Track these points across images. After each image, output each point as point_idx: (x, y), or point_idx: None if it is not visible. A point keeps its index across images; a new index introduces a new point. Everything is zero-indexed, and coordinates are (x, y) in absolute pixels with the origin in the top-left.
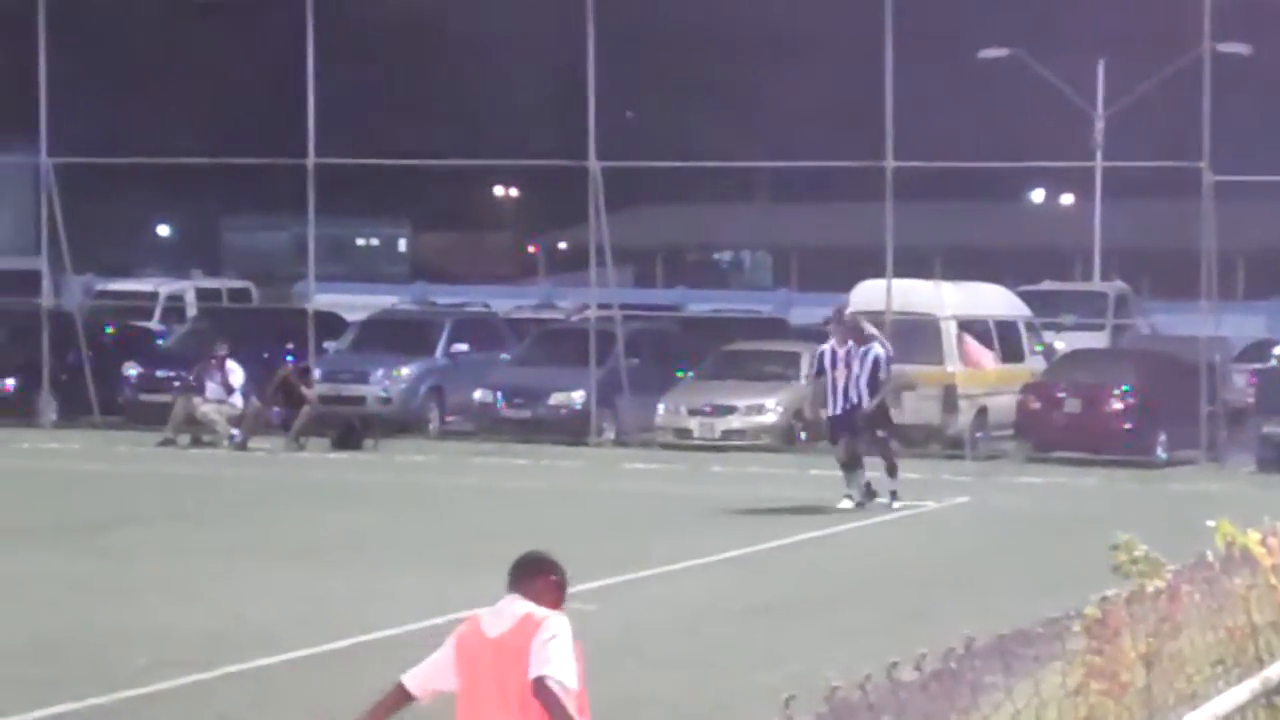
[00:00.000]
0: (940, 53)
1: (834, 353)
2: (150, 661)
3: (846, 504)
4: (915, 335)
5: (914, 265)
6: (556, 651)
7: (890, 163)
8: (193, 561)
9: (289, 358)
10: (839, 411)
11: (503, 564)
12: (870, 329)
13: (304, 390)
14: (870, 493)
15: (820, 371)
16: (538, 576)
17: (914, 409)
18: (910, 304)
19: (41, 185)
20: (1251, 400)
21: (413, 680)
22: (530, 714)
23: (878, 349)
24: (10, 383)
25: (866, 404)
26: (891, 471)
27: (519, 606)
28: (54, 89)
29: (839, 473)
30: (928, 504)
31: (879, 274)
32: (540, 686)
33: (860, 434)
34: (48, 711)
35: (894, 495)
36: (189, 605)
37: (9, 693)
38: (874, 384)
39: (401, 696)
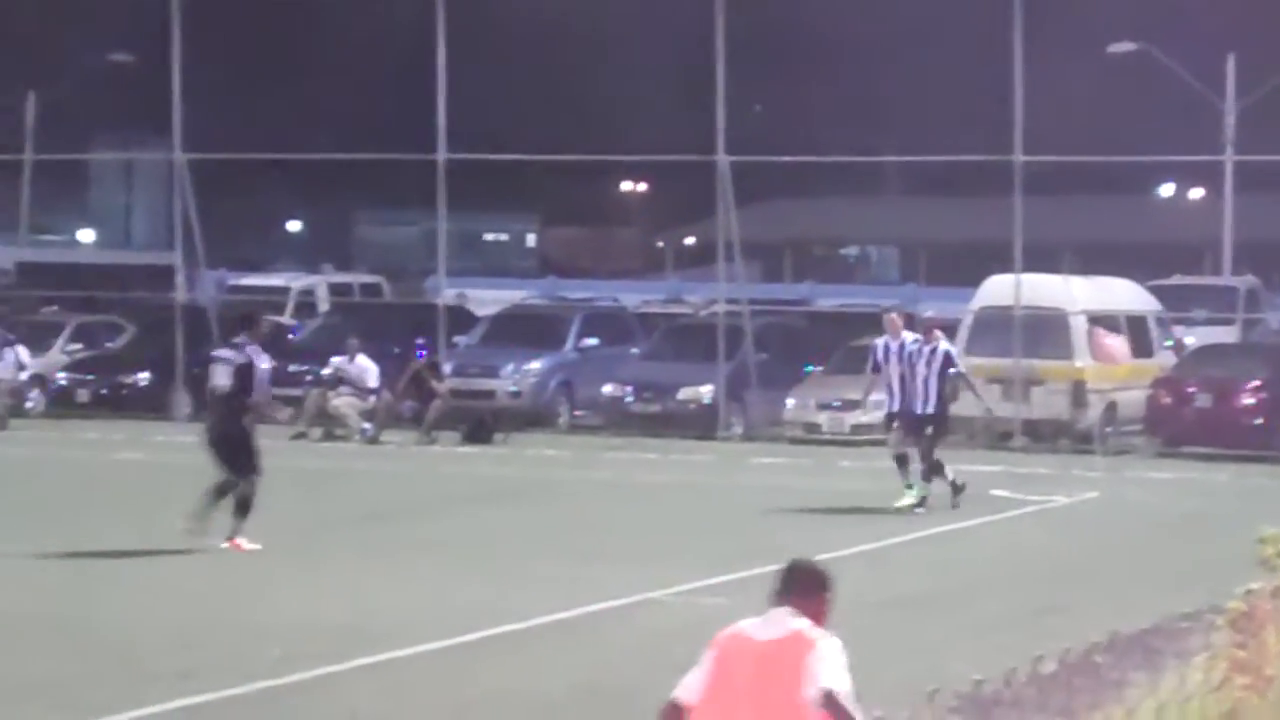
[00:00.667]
0: (1069, 47)
1: (887, 347)
2: (284, 654)
3: (909, 499)
4: (1044, 330)
5: (1043, 260)
6: (838, 670)
7: (1019, 157)
8: (326, 554)
9: (420, 352)
10: (897, 407)
11: (631, 558)
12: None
13: (434, 384)
14: (957, 487)
15: (876, 367)
16: (816, 594)
17: (1043, 404)
18: (1039, 299)
19: (175, 181)
20: None
21: (685, 693)
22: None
23: (944, 344)
24: (144, 377)
25: (934, 405)
26: (928, 474)
27: (793, 621)
28: (188, 86)
29: (959, 468)
30: (1057, 499)
31: (1008, 269)
32: (831, 699)
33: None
34: (185, 702)
35: (923, 501)
36: (322, 598)
37: (148, 684)
38: (942, 382)
39: (677, 709)
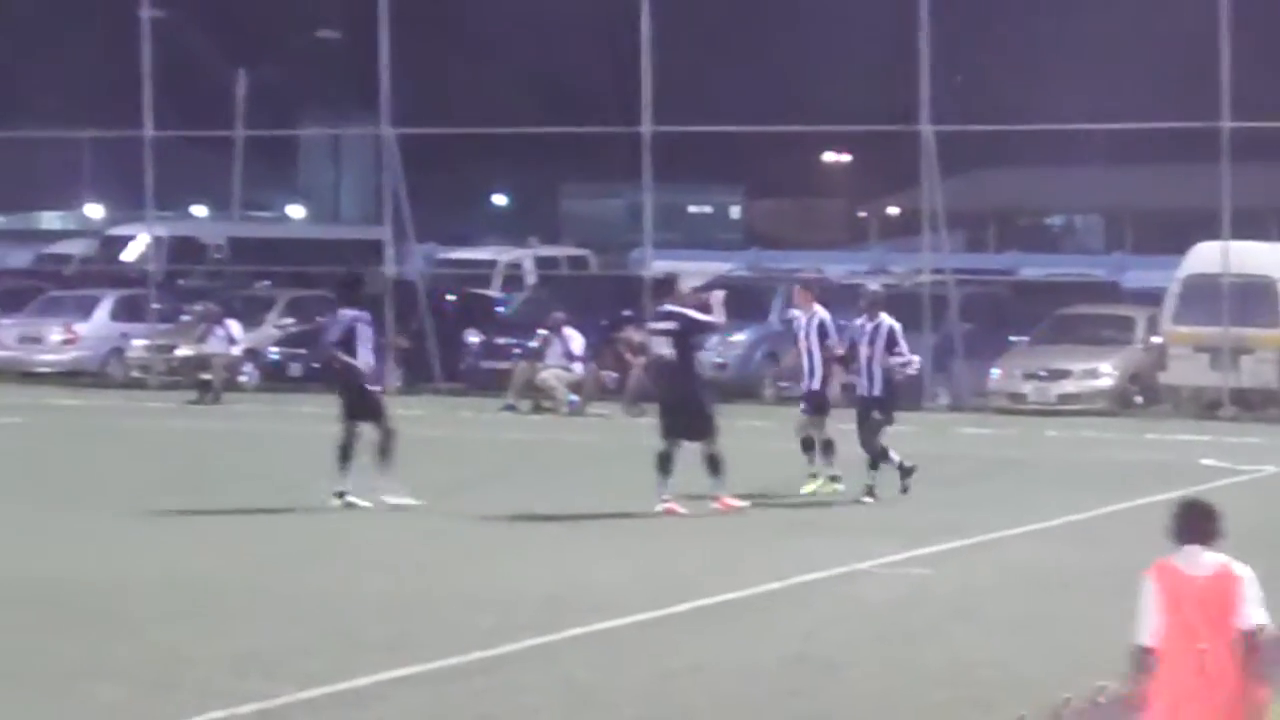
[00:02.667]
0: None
1: (861, 327)
2: (496, 624)
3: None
4: (1253, 298)
5: (1251, 227)
6: (1260, 604)
7: (1227, 123)
8: (534, 526)
9: (628, 323)
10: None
11: (837, 529)
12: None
13: (628, 355)
14: (905, 470)
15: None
16: (1213, 530)
17: (1252, 372)
18: (1247, 266)
19: (384, 156)
20: None
21: (1149, 637)
22: (1235, 652)
23: (887, 320)
24: None
25: (880, 387)
26: (874, 461)
27: (1209, 556)
28: (395, 61)
29: (1166, 437)
30: (1268, 468)
31: (1215, 236)
32: (1256, 635)
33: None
34: (397, 673)
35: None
36: (533, 569)
37: (361, 654)
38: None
39: (1150, 655)
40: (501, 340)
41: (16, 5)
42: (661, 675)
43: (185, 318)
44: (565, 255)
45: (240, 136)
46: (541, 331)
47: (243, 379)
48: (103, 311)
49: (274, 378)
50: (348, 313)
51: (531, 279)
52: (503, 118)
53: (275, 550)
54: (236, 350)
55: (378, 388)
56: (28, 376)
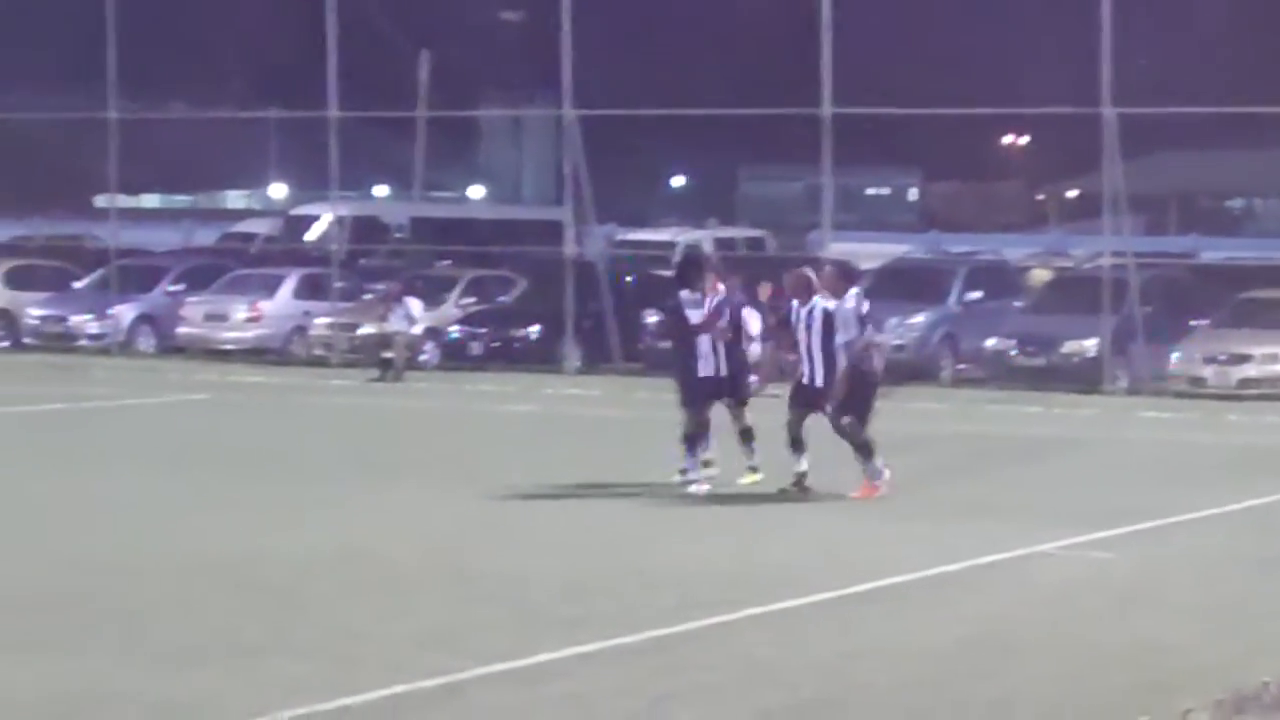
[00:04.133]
0: None
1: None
2: (677, 602)
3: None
4: None
5: None
6: None
7: None
8: (715, 505)
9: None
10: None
11: (1016, 511)
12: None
13: None
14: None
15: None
16: None
17: None
18: None
19: (565, 137)
20: None
21: None
22: None
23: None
24: (535, 330)
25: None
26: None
27: None
28: (577, 42)
29: None
30: None
31: None
32: None
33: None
34: (578, 650)
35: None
36: (712, 548)
37: (542, 631)
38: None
39: None
40: None
41: None
42: (840, 655)
43: (367, 296)
44: (743, 236)
45: (423, 117)
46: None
47: (423, 358)
48: (286, 290)
49: (454, 356)
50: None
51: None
52: (683, 99)
53: (455, 528)
54: (417, 329)
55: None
56: (213, 354)
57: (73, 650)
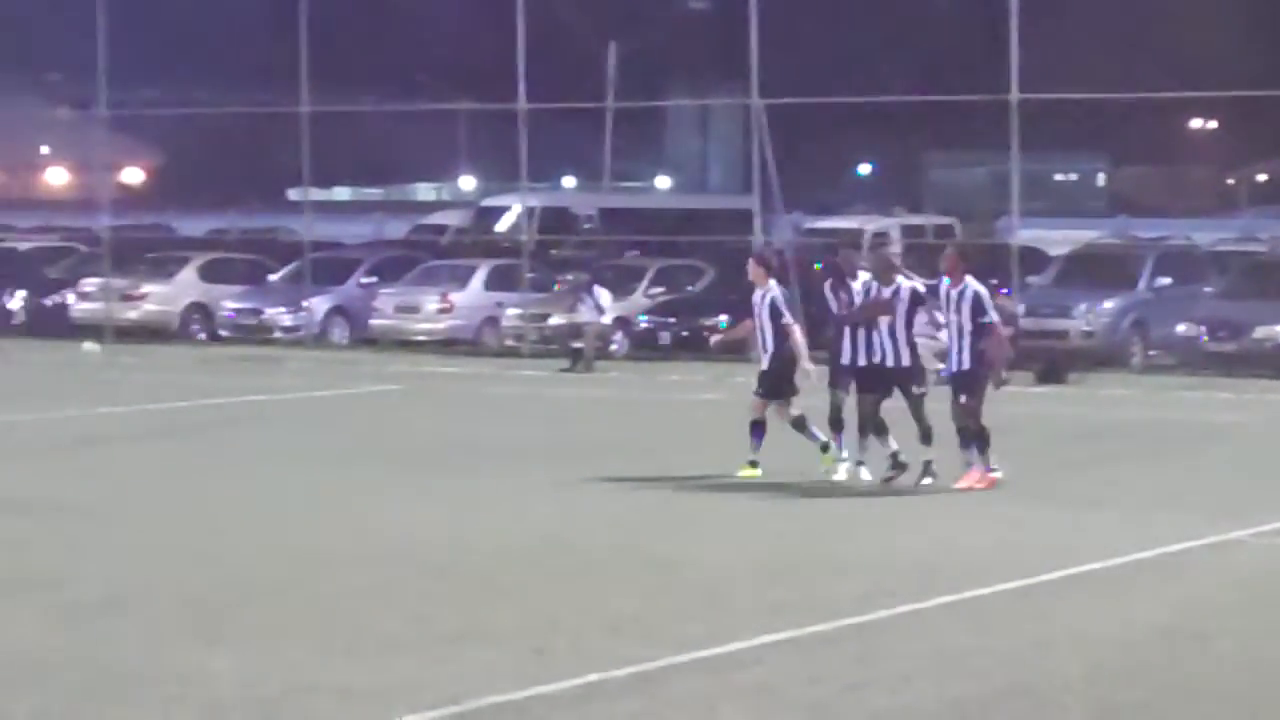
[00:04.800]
0: None
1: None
2: (867, 590)
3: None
4: None
5: None
6: None
7: None
8: (902, 492)
9: (1003, 291)
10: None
11: (1208, 498)
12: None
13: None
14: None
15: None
16: None
17: None
18: None
19: (753, 126)
20: None
21: None
22: None
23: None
24: (723, 319)
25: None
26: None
27: None
28: (764, 31)
29: None
30: None
31: None
32: None
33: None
34: (771, 638)
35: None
36: (903, 536)
37: (734, 619)
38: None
39: None
40: None
41: None
42: (1032, 643)
43: (557, 287)
44: (931, 224)
45: (611, 108)
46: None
47: (613, 347)
48: (477, 281)
49: (644, 346)
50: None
51: (897, 248)
52: (869, 86)
53: (647, 517)
54: (606, 319)
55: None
56: (405, 345)
57: (271, 640)
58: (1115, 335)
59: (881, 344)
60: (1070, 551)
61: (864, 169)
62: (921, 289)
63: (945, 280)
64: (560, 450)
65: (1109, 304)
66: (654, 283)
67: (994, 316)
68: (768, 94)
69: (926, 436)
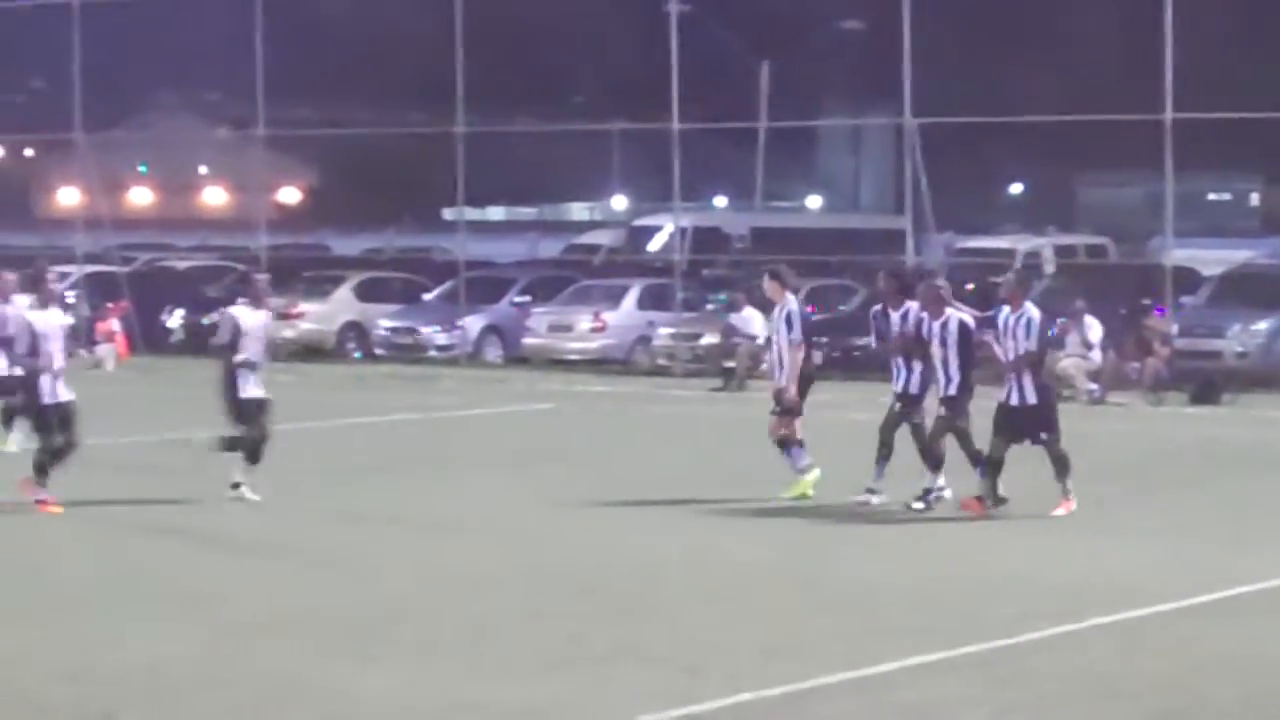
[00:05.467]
0: None
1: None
2: (1019, 612)
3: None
4: None
5: None
6: None
7: None
8: (1044, 515)
9: (1158, 310)
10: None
11: None
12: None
13: (1155, 344)
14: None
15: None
16: None
17: None
18: None
19: (905, 146)
20: None
21: None
22: None
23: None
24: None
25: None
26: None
27: None
28: (917, 51)
29: None
30: None
31: None
32: None
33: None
34: (921, 659)
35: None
36: (1052, 557)
37: (885, 640)
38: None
39: None
40: None
41: (549, 2)
42: (1186, 667)
43: (709, 307)
44: (1083, 244)
45: (763, 127)
46: (1061, 320)
47: (764, 367)
48: (630, 300)
49: None
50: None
51: (1050, 268)
52: (1022, 106)
53: (799, 536)
54: (759, 339)
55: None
56: (557, 364)
57: (425, 659)
58: (1269, 356)
59: (922, 375)
60: (1221, 574)
61: (1016, 188)
62: (971, 322)
63: (1004, 308)
64: (710, 469)
65: (1263, 324)
66: (805, 302)
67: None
68: (920, 113)
69: (937, 464)
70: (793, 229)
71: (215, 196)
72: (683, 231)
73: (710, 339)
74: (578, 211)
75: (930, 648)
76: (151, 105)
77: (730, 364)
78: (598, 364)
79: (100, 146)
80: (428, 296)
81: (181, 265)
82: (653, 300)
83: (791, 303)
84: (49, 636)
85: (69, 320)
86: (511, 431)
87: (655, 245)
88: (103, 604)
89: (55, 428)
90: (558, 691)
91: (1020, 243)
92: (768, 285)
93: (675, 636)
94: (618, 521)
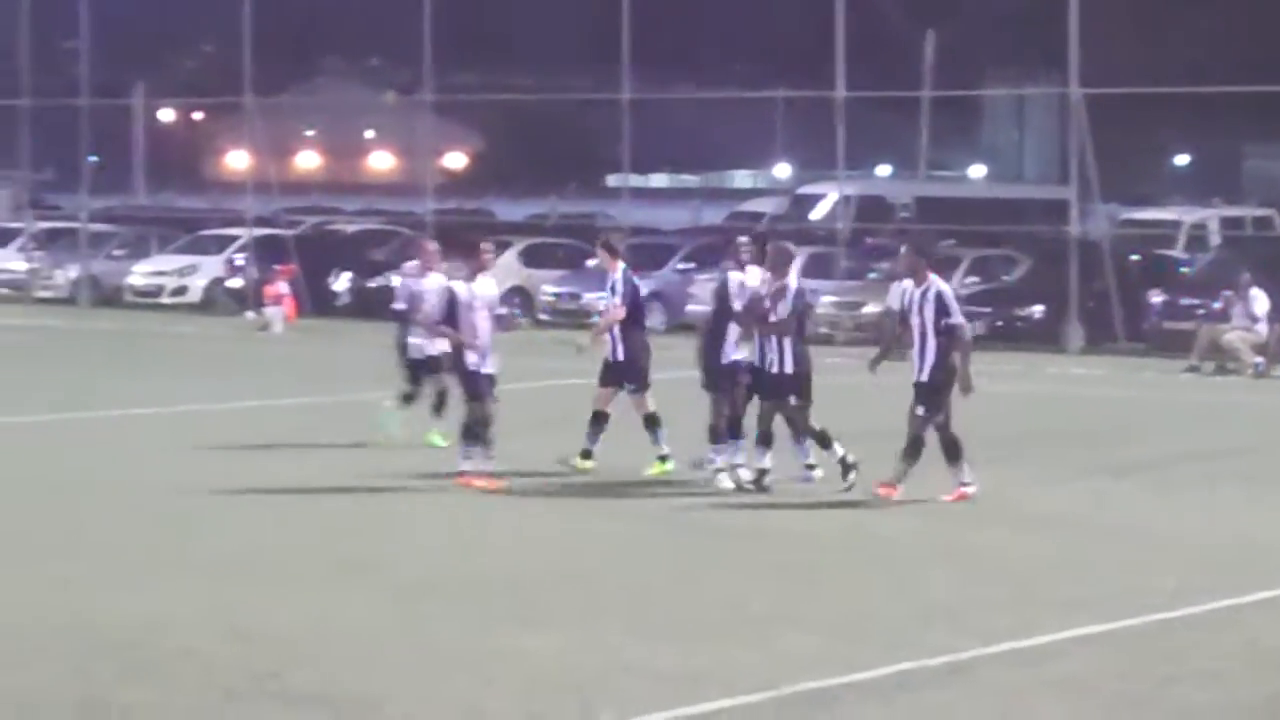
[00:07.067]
0: None
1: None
2: (1178, 585)
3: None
4: None
5: None
6: None
7: None
8: (1213, 487)
9: None
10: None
11: None
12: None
13: None
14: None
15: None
16: None
17: None
18: None
19: (1070, 116)
20: None
21: None
22: None
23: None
24: (1038, 309)
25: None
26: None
27: None
28: (1084, 20)
29: None
30: None
31: None
32: None
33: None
34: (1078, 632)
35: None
36: (1212, 530)
37: (1042, 611)
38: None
39: None
40: (1185, 301)
41: None
42: None
43: (872, 275)
44: (1250, 216)
45: (927, 97)
46: (1226, 293)
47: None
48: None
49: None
50: None
51: (1216, 240)
52: (1188, 76)
53: (954, 506)
54: None
55: None
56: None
57: (586, 623)
58: None
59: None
60: None
61: (1182, 159)
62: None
63: (905, 282)
64: (859, 436)
65: None
66: (969, 272)
67: (959, 319)
68: (1086, 83)
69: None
70: (956, 199)
71: (381, 161)
72: (846, 200)
73: (872, 308)
74: (741, 179)
75: (1087, 620)
76: (319, 70)
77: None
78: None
79: (269, 111)
80: (591, 263)
81: (348, 229)
82: (815, 268)
83: (617, 271)
84: (218, 598)
85: (494, 291)
86: (672, 398)
87: (818, 214)
88: (271, 566)
89: (488, 396)
90: (717, 656)
91: (1186, 214)
92: (599, 254)
93: (834, 604)
94: (774, 487)
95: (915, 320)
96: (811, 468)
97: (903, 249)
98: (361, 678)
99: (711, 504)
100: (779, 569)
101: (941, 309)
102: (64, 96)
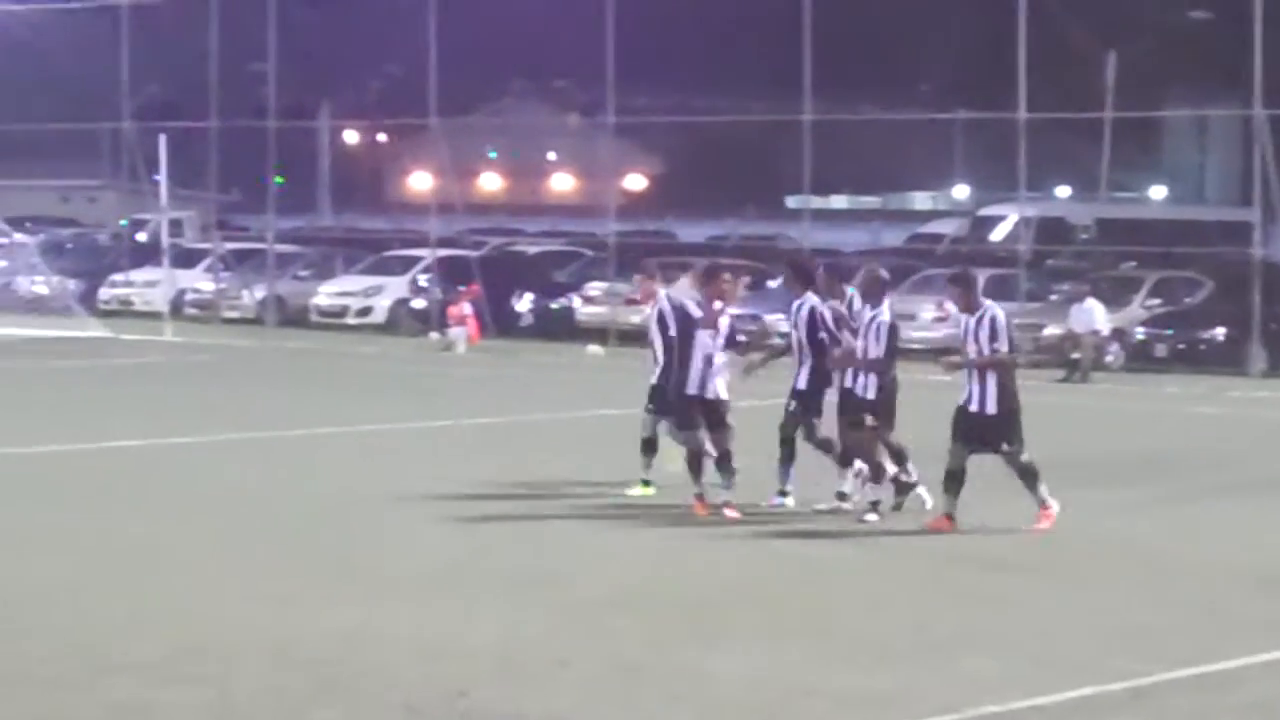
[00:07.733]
0: None
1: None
2: None
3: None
4: None
5: None
6: None
7: None
8: None
9: None
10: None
11: None
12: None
13: None
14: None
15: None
16: None
17: None
18: None
19: (1254, 137)
20: None
21: None
22: None
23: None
24: (1221, 332)
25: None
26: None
27: None
28: (1267, 41)
29: None
30: None
31: None
32: None
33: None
34: (1267, 656)
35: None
36: None
37: (1233, 634)
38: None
39: None
40: None
41: None
42: None
43: (1053, 297)
44: None
45: (1109, 118)
46: None
47: (1109, 359)
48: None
49: (1139, 358)
50: None
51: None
52: None
53: (1148, 525)
54: (1104, 331)
55: None
56: (902, 353)
57: (769, 644)
58: None
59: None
60: None
61: None
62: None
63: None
64: (1059, 460)
65: None
66: (1151, 294)
67: (1005, 345)
68: (1269, 104)
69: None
70: (1137, 220)
71: (563, 182)
72: (1027, 221)
73: (1054, 330)
74: (920, 200)
75: (1277, 644)
76: (504, 92)
77: (1076, 355)
78: (940, 353)
79: (452, 132)
80: (772, 284)
81: (531, 250)
82: (996, 290)
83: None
84: (405, 615)
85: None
86: None
87: (999, 235)
88: (455, 583)
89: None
90: (902, 678)
91: None
92: (640, 282)
93: (1018, 625)
94: (968, 510)
95: (972, 348)
96: (843, 496)
97: (862, 270)
98: (548, 695)
99: (895, 526)
100: (962, 590)
101: (993, 335)
102: (251, 119)
